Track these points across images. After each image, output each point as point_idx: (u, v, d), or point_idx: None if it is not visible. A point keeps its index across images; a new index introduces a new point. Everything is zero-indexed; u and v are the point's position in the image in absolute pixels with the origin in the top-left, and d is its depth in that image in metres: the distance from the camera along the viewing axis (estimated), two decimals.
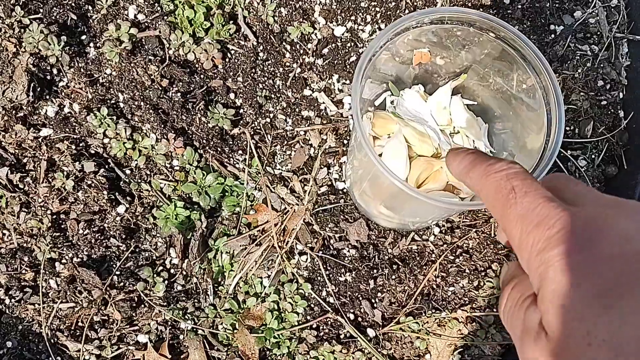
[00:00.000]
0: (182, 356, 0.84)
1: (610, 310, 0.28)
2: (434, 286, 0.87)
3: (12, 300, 0.81)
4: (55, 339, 0.81)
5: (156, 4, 0.93)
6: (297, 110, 0.93)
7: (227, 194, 0.90)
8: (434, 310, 0.86)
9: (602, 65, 0.93)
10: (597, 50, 0.94)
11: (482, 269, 0.88)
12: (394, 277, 0.87)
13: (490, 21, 0.69)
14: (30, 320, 0.81)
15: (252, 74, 0.93)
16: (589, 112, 0.91)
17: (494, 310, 0.86)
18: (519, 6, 0.96)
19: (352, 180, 0.88)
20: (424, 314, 0.86)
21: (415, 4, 0.96)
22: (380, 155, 0.80)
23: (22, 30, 0.86)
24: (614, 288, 0.28)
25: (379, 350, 0.84)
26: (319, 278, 0.87)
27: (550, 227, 0.31)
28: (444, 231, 0.90)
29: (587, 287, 0.29)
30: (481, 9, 0.96)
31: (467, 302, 0.87)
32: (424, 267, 0.87)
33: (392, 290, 0.87)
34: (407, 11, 0.96)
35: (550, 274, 0.30)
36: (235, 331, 0.85)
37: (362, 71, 0.68)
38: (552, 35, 0.94)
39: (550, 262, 0.31)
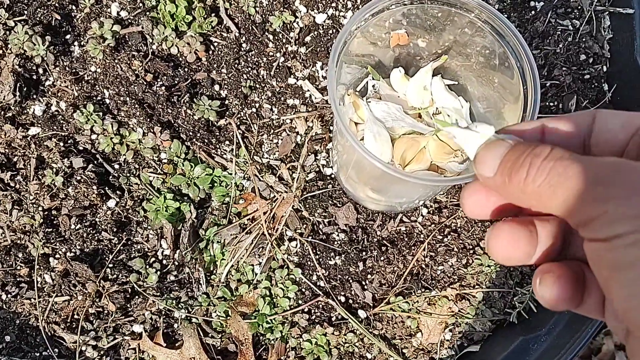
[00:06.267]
0: (177, 344, 0.85)
1: None
2: (423, 266, 0.88)
3: (9, 295, 0.83)
4: (52, 332, 0.83)
5: (138, 1, 0.94)
6: (282, 99, 0.94)
7: (215, 184, 0.91)
8: (423, 290, 0.87)
9: (583, 39, 0.93)
10: (578, 24, 0.94)
11: (471, 247, 0.88)
12: (383, 258, 0.87)
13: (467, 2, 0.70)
14: (27, 314, 0.83)
15: (235, 65, 0.94)
16: (572, 86, 0.91)
17: (483, 287, 0.87)
18: None
19: (339, 166, 0.89)
20: (413, 294, 0.87)
21: None
22: (362, 139, 0.81)
23: (8, 32, 0.88)
24: None
25: (370, 330, 0.86)
26: (309, 263, 0.88)
27: None
28: (431, 211, 0.90)
29: None
30: None
31: (456, 280, 0.87)
32: (413, 248, 0.88)
33: (381, 271, 0.87)
34: None
35: None
36: (228, 318, 0.86)
37: (337, 54, 0.69)
38: (533, 12, 0.94)
39: None
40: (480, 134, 0.38)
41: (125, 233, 0.87)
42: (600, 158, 0.31)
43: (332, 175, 0.93)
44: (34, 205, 0.84)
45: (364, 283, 0.88)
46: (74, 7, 0.94)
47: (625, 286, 0.28)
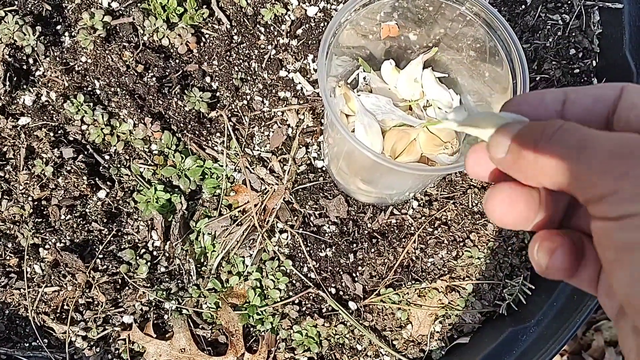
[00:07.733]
0: (167, 335, 0.85)
1: None
2: (413, 258, 0.88)
3: None
4: (42, 322, 0.83)
5: None
6: (273, 91, 0.94)
7: (206, 176, 0.91)
8: (413, 281, 0.87)
9: (573, 34, 0.94)
10: (567, 19, 0.94)
11: (461, 239, 0.89)
12: (373, 250, 0.88)
13: None
14: (17, 304, 0.83)
15: (227, 57, 0.94)
16: (561, 80, 0.92)
17: (473, 279, 0.87)
18: None
19: (330, 158, 0.89)
20: (404, 285, 0.87)
21: None
22: (352, 131, 0.81)
23: None
24: None
25: (360, 322, 0.86)
26: (299, 254, 0.89)
27: None
28: (422, 204, 0.91)
29: None
30: None
31: (446, 272, 0.88)
32: (403, 240, 0.89)
33: (372, 263, 0.88)
34: None
35: None
36: (219, 309, 0.86)
37: (327, 45, 0.69)
38: (523, 6, 0.95)
39: None
40: (489, 119, 0.36)
41: (115, 224, 0.87)
42: (620, 133, 0.29)
43: (323, 168, 0.93)
44: (24, 195, 0.84)
45: (354, 275, 0.88)
46: None
47: (631, 270, 0.26)
